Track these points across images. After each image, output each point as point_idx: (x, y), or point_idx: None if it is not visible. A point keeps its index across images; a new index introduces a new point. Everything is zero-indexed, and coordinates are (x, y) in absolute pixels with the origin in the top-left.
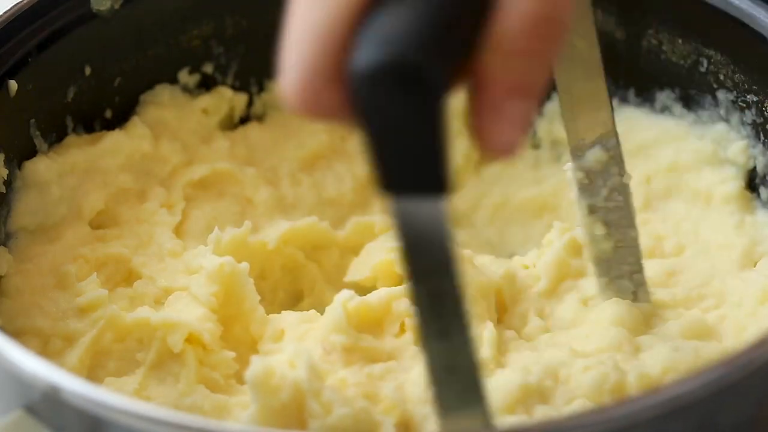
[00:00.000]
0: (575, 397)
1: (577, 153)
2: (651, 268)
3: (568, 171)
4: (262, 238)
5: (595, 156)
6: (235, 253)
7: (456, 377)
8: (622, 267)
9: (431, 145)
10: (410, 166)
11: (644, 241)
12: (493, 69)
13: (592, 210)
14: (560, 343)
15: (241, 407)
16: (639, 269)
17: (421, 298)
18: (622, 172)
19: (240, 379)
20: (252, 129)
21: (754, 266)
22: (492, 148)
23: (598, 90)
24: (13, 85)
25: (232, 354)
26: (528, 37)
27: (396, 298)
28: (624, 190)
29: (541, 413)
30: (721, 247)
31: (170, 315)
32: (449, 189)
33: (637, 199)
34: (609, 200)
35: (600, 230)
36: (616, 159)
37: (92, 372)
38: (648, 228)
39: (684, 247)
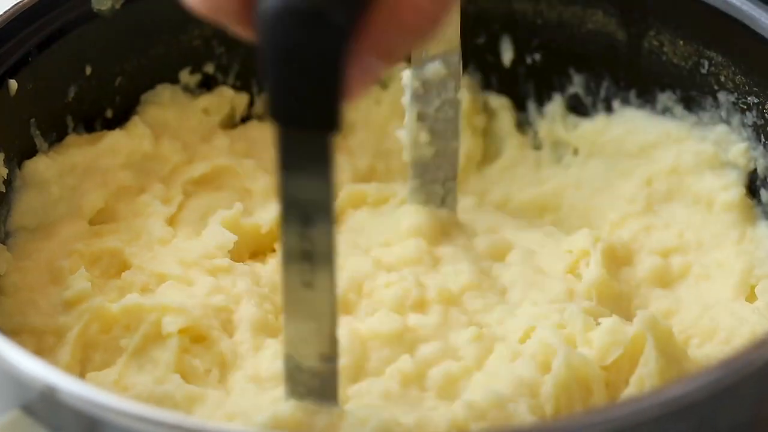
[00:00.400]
0: (378, 310)
1: (417, 63)
2: (655, 303)
3: (404, 77)
4: (256, 221)
5: (435, 69)
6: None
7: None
8: (437, 173)
9: (327, 84)
10: (304, 102)
11: (653, 260)
12: (370, 28)
13: (421, 117)
14: (360, 248)
15: (216, 403)
16: (453, 177)
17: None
18: (458, 87)
19: (224, 368)
20: (252, 127)
21: (751, 291)
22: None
23: None
24: (13, 84)
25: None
26: (403, 17)
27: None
28: (455, 105)
29: (345, 323)
30: (721, 266)
31: (167, 299)
32: (338, 126)
33: (638, 202)
34: (440, 111)
35: (425, 138)
36: (454, 75)
37: (84, 366)
38: (653, 238)
39: (690, 266)
